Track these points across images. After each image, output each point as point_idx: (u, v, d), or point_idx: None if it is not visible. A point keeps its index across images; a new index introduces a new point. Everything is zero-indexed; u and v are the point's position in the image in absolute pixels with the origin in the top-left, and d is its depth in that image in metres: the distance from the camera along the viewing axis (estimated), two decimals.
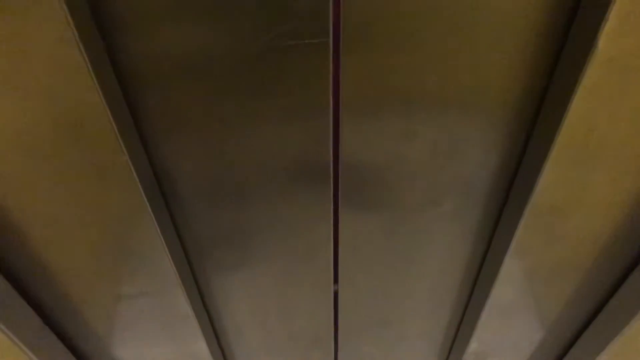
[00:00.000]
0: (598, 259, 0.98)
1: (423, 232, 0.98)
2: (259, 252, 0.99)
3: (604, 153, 0.76)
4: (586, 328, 1.17)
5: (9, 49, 0.58)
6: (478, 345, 1.23)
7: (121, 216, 0.80)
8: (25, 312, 0.93)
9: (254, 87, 0.71)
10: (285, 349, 1.32)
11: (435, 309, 1.22)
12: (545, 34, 0.67)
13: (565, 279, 1.04)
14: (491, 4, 0.64)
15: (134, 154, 0.72)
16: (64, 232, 0.83)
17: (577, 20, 0.65)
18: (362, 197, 0.90)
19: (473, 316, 1.16)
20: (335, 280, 1.09)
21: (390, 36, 0.67)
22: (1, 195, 0.76)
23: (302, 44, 0.66)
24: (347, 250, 1.01)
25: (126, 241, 0.86)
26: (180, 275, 0.93)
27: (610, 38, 0.61)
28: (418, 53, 0.69)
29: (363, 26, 0.65)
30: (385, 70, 0.71)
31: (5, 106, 0.64)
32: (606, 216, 0.89)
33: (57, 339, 1.05)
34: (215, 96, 0.71)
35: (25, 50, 0.59)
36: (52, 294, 0.96)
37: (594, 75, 0.65)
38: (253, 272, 1.04)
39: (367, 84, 0.72)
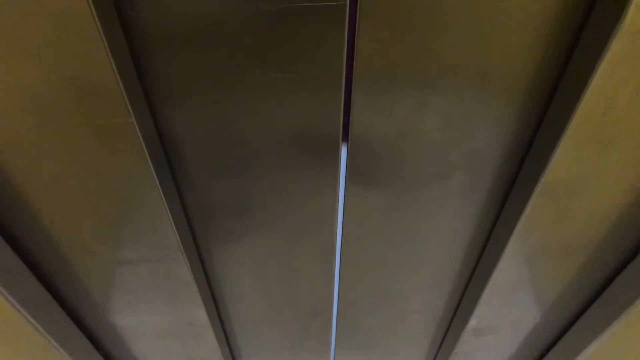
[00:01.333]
0: (604, 239, 0.97)
1: (430, 207, 0.97)
2: (263, 222, 0.98)
3: (621, 132, 0.75)
4: (587, 308, 1.17)
5: (16, 8, 0.56)
6: (478, 321, 1.23)
7: (125, 179, 0.79)
8: (24, 274, 0.92)
9: (264, 53, 0.68)
10: (283, 319, 1.32)
11: (437, 284, 1.21)
12: (570, 2, 0.65)
13: (570, 259, 1.03)
14: None
15: (140, 117, 0.70)
16: (66, 193, 0.81)
17: None
18: (370, 169, 0.89)
19: (475, 292, 1.15)
20: (338, 253, 1.08)
21: (409, 2, 0.64)
22: (6, 153, 0.74)
23: (318, 7, 0.63)
24: (351, 222, 1.00)
25: (129, 205, 0.84)
26: (182, 242, 0.92)
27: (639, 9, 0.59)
28: (436, 22, 0.67)
29: None
30: (402, 39, 0.68)
31: (13, 64, 0.62)
32: (617, 197, 0.87)
33: (57, 304, 1.04)
34: (224, 61, 0.69)
35: (33, 9, 0.56)
36: (52, 257, 0.95)
37: (619, 48, 0.63)
38: (255, 242, 1.03)
39: (382, 53, 0.70)
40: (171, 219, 0.86)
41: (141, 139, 0.71)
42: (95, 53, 0.60)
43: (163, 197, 0.81)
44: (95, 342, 1.22)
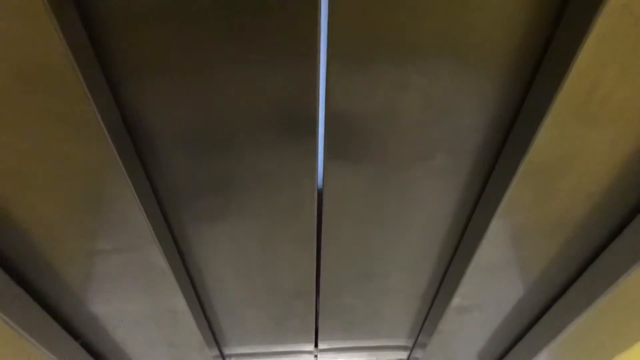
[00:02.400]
0: (588, 218, 0.96)
1: (411, 187, 0.95)
2: (240, 205, 0.95)
3: (606, 111, 0.72)
4: (570, 286, 1.17)
5: None
6: (461, 300, 1.22)
7: (90, 168, 0.75)
8: None
9: (234, 29, 0.64)
10: (266, 301, 1.31)
11: (420, 264, 1.20)
12: None
13: (553, 237, 1.01)
14: None
15: (101, 103, 0.66)
16: (30, 185, 0.77)
17: None
18: (349, 150, 0.86)
19: (458, 271, 1.14)
20: (319, 234, 1.06)
21: None
22: None
23: None
24: (332, 203, 0.98)
25: (96, 195, 0.80)
26: (155, 230, 0.89)
27: None
28: None
29: None
30: (378, 14, 0.65)
31: None
32: (601, 176, 0.85)
33: (31, 298, 1.01)
34: (192, 39, 0.65)
35: None
36: (22, 251, 0.91)
37: (605, 24, 0.60)
38: (233, 226, 1.01)
39: (358, 29, 0.66)
40: (141, 207, 0.82)
41: (103, 126, 0.67)
42: (46, 36, 0.56)
43: (131, 185, 0.78)
44: (72, 331, 1.19)
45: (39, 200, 0.80)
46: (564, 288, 1.19)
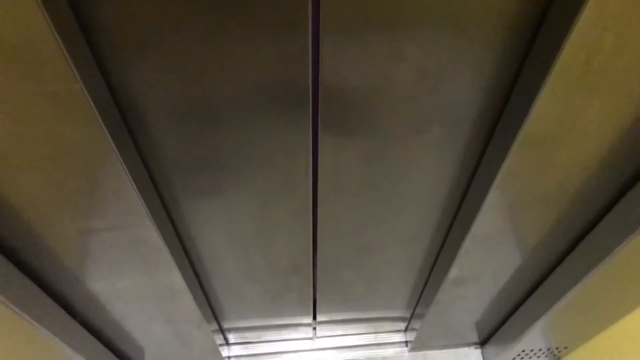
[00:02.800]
0: (585, 188, 0.95)
1: (407, 160, 0.94)
2: (234, 180, 0.94)
3: (604, 80, 0.71)
4: (567, 256, 1.17)
5: None
6: (458, 271, 1.22)
7: (80, 147, 0.73)
8: None
9: (223, 2, 0.62)
10: (263, 276, 1.31)
11: (417, 236, 1.20)
12: None
13: (550, 208, 1.01)
14: None
15: (89, 80, 0.65)
16: (20, 166, 0.76)
17: None
18: (343, 123, 0.85)
19: (455, 243, 1.14)
20: (314, 209, 1.05)
21: None
22: None
23: None
24: (326, 178, 0.97)
25: (88, 173, 0.79)
26: (149, 207, 0.88)
27: None
28: None
29: None
30: None
31: None
32: (598, 146, 0.85)
33: (26, 277, 1.00)
34: (180, 13, 0.63)
35: None
36: (16, 231, 0.90)
37: None
38: (228, 201, 1.00)
39: None
40: (133, 183, 0.81)
41: (91, 103, 0.65)
42: (28, 11, 0.54)
43: (122, 162, 0.77)
44: (70, 310, 1.19)
45: (30, 180, 0.79)
46: (561, 258, 1.20)
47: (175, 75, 0.72)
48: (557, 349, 1.59)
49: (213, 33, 0.66)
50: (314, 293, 1.47)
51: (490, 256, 1.18)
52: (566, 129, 0.79)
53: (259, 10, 0.64)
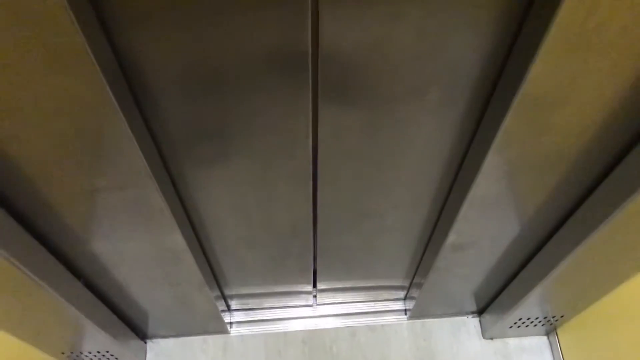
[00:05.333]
0: (583, 151, 0.96)
1: (406, 124, 0.95)
2: (235, 145, 0.96)
3: (603, 40, 0.71)
4: (567, 220, 1.18)
5: None
6: (457, 237, 1.24)
7: (83, 104, 0.74)
8: None
9: None
10: (264, 240, 1.33)
11: (416, 201, 1.21)
12: None
13: (549, 172, 1.02)
14: None
15: (91, 36, 0.65)
16: (26, 122, 0.77)
17: None
18: (342, 87, 0.85)
19: (453, 208, 1.15)
20: (314, 174, 1.07)
21: None
22: None
23: None
24: (326, 142, 0.98)
25: (93, 133, 0.80)
26: (152, 168, 0.89)
27: None
28: None
29: None
30: None
31: None
32: (597, 108, 0.85)
33: (32, 237, 1.02)
34: None
35: None
36: (20, 189, 0.92)
37: None
38: (229, 165, 1.01)
39: None
40: (137, 143, 0.82)
41: (93, 58, 0.66)
42: None
43: (125, 121, 0.78)
44: (74, 270, 1.21)
45: (33, 136, 0.80)
46: (560, 223, 1.21)
47: (176, 41, 0.73)
48: (553, 317, 1.61)
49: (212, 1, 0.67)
50: (314, 261, 1.49)
51: (488, 222, 1.19)
52: (564, 90, 0.80)
53: None
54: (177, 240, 1.11)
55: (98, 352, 1.56)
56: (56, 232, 1.06)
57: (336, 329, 1.83)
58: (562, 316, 1.62)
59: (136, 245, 1.15)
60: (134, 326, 1.68)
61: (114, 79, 0.73)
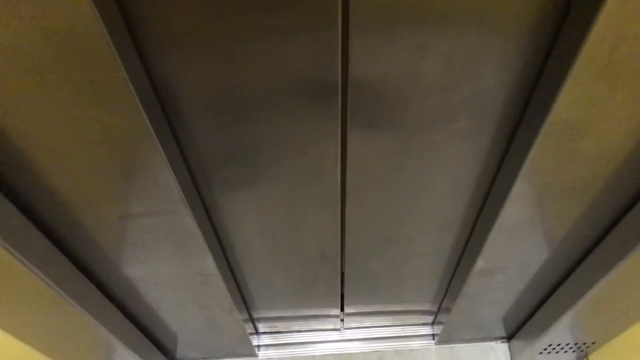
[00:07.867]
0: (611, 178, 0.96)
1: (434, 151, 0.96)
2: (265, 170, 0.98)
3: (629, 70, 0.72)
4: (594, 249, 1.17)
5: None
6: (485, 263, 1.23)
7: (122, 134, 0.78)
8: (30, 232, 0.93)
9: None
10: (292, 265, 1.34)
11: (444, 227, 1.21)
12: None
13: (576, 198, 1.02)
14: None
15: (132, 70, 0.69)
16: (65, 151, 0.81)
17: None
18: (371, 114, 0.87)
19: (481, 235, 1.15)
20: (343, 199, 1.08)
21: None
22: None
23: None
24: (355, 168, 0.99)
25: (128, 159, 0.83)
26: (185, 194, 0.92)
27: None
28: None
29: None
30: None
31: None
32: (624, 137, 0.85)
33: (66, 258, 1.05)
34: (218, 7, 0.67)
35: None
36: (59, 215, 0.95)
37: None
38: (259, 190, 1.03)
39: None
40: (171, 171, 0.85)
41: (134, 92, 0.69)
42: (77, 5, 0.58)
43: (161, 149, 0.81)
44: (107, 293, 1.24)
45: (73, 165, 0.83)
46: (588, 250, 1.20)
47: (210, 68, 0.76)
48: (584, 344, 1.59)
49: (247, 28, 0.69)
50: (341, 284, 1.49)
51: (517, 247, 1.19)
52: (591, 119, 0.80)
53: (290, 5, 0.67)
54: (208, 264, 1.13)
55: None
56: (91, 256, 1.09)
57: (364, 353, 1.82)
58: (593, 342, 1.59)
59: (168, 270, 1.17)
60: (163, 348, 1.69)
61: (151, 110, 0.76)
